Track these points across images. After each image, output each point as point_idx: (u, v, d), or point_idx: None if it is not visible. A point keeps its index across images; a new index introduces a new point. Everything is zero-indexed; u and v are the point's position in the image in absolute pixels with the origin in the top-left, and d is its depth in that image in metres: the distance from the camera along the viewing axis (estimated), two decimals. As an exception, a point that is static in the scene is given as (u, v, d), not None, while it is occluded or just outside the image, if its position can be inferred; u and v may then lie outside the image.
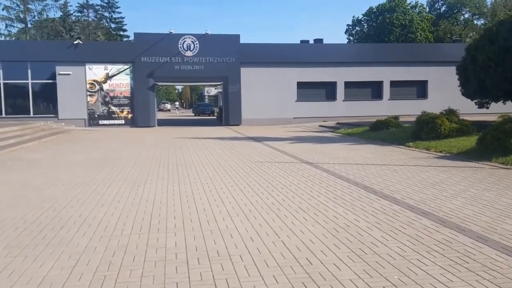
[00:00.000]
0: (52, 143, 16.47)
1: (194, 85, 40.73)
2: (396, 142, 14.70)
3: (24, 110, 25.04)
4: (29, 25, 45.44)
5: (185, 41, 25.99)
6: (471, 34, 60.09)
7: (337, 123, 25.11)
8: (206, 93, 75.55)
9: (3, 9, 43.54)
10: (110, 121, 25.78)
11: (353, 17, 65.60)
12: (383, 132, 17.33)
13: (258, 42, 26.22)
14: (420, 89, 29.04)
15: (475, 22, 66.30)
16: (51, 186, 7.88)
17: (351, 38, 65.03)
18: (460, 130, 14.00)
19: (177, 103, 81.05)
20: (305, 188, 7.43)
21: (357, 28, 65.00)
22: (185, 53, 26.01)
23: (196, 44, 26.09)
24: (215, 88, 72.49)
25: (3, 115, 24.64)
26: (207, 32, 26.20)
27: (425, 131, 14.04)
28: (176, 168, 9.83)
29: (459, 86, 20.41)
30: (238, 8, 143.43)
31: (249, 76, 26.77)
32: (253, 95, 26.89)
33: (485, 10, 63.95)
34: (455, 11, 66.28)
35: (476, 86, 17.68)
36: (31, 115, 24.87)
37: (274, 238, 4.82)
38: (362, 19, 63.75)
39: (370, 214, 5.76)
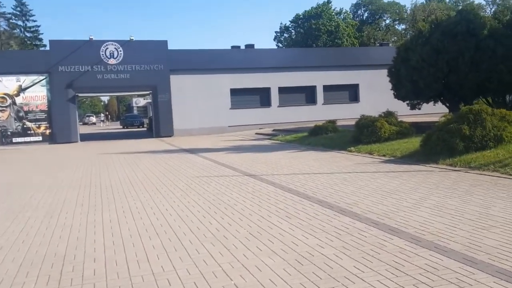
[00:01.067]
0: (-48, 167, 14.22)
1: (120, 95, 38.42)
2: (337, 147, 14.20)
3: None
4: None
5: (107, 48, 24.20)
6: (394, 39, 62.87)
7: (274, 130, 24.51)
8: (134, 104, 72.80)
9: None
10: (26, 138, 23.32)
11: (281, 24, 66.23)
12: (322, 137, 16.86)
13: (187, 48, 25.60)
14: (352, 92, 29.32)
15: (396, 27, 69.51)
16: None
17: (280, 45, 65.47)
18: (400, 132, 13.78)
19: (102, 115, 77.02)
20: (252, 207, 6.46)
21: (285, 34, 65.57)
22: (108, 61, 24.22)
23: (120, 51, 24.39)
24: (144, 99, 69.95)
25: None
26: (131, 38, 24.60)
27: (366, 135, 13.66)
28: (100, 192, 8.47)
29: (391, 89, 20.59)
30: (164, 15, 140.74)
31: (180, 84, 25.50)
32: (185, 104, 25.63)
33: (405, 15, 67.21)
34: (377, 17, 69.10)
35: (409, 88, 17.80)
36: None
37: (224, 281, 3.78)
38: (290, 25, 64.44)
39: (333, 236, 4.89)
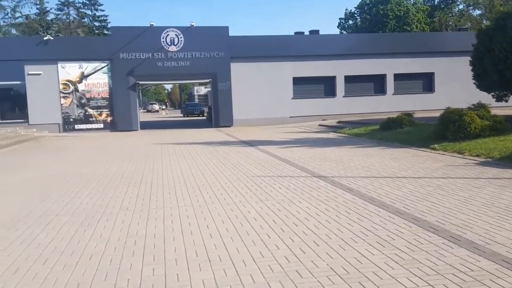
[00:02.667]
0: (8, 154, 14.00)
1: (180, 83, 38.20)
2: (416, 143, 12.45)
3: (-10, 115, 22.48)
4: (1, 23, 42.47)
5: (168, 34, 23.56)
6: (468, 25, 58.19)
7: (339, 122, 22.86)
8: (195, 93, 73.18)
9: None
10: (88, 125, 23.29)
11: (346, 10, 63.41)
12: (396, 131, 15.09)
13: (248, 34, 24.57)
14: (426, 82, 26.89)
15: (471, 12, 64.40)
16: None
17: (344, 32, 62.81)
18: (493, 128, 11.79)
19: (162, 103, 77.97)
20: (329, 224, 5.12)
21: (350, 21, 62.80)
22: (168, 48, 23.58)
23: (181, 37, 23.66)
24: (205, 87, 70.06)
25: (-33, 122, 22.07)
26: (192, 24, 23.78)
27: (452, 130, 11.78)
28: (150, 191, 7.46)
29: (472, 78, 18.61)
30: (225, 2, 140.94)
31: (240, 72, 24.42)
32: (245, 93, 24.55)
33: (481, 1, 61.99)
34: (450, 2, 64.34)
35: (495, 78, 15.72)
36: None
37: None
38: (355, 12, 61.57)
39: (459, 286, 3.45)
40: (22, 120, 22.49)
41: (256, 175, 8.62)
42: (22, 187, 8.14)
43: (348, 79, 25.83)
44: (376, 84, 26.45)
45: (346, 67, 25.66)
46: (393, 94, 26.39)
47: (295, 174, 8.57)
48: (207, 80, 25.60)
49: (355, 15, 62.20)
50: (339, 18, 63.56)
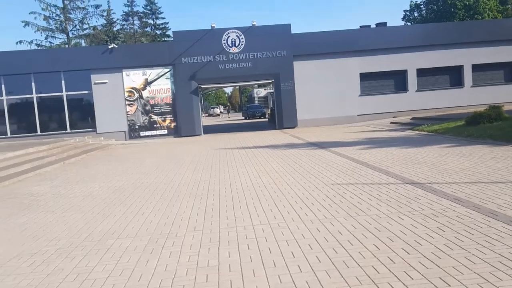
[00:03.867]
0: (75, 165, 13.87)
1: (241, 85, 37.56)
2: (516, 140, 10.79)
3: (61, 125, 22.99)
4: (70, 35, 44.18)
5: (229, 36, 22.98)
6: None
7: (412, 118, 21.13)
8: (255, 95, 72.96)
9: (43, 20, 42.43)
10: (152, 132, 23.24)
11: (411, 1, 60.09)
12: (485, 127, 13.37)
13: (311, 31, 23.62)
14: (508, 72, 24.33)
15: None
16: None
17: (410, 24, 59.68)
18: None
19: (221, 107, 78.01)
20: (451, 251, 3.96)
21: (415, 13, 59.59)
22: (229, 49, 23.00)
23: (242, 38, 23.01)
24: (265, 89, 69.63)
25: (38, 132, 22.69)
26: (253, 23, 23.05)
27: (561, 124, 10.05)
28: (218, 205, 6.64)
29: None
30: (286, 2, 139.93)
31: (304, 71, 23.35)
32: (309, 92, 23.43)
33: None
34: (525, -15, 59.15)
35: None
36: (68, 130, 22.79)
37: None
38: (421, 2, 58.34)
39: None
40: (90, 129, 22.83)
41: (336, 183, 7.56)
42: (84, 203, 7.63)
43: (421, 72, 23.92)
44: (452, 76, 24.32)
45: (418, 59, 23.79)
46: (471, 86, 24.13)
47: (383, 181, 7.41)
48: (270, 81, 24.75)
49: (421, 6, 58.94)
50: (404, 11, 60.51)
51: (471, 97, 23.75)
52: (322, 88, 23.48)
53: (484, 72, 24.11)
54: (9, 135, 22.54)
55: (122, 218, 6.21)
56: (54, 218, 6.56)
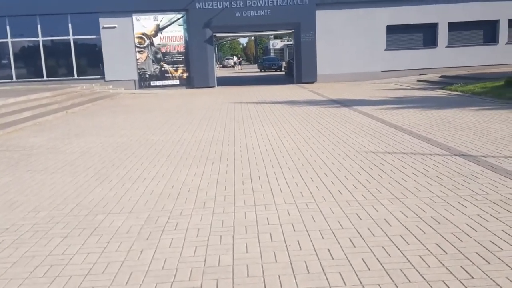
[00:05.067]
0: (79, 115, 12.93)
1: (259, 35, 35.62)
2: None
3: (68, 71, 21.92)
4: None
5: (247, -20, 21.25)
6: None
7: (442, 77, 19.63)
8: (271, 47, 70.69)
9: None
10: (164, 81, 22.09)
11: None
12: (531, 89, 12.01)
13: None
14: (548, 30, 22.38)
15: None
16: (-13, 229, 4.01)
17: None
18: None
19: (234, 57, 74.55)
20: (545, 261, 2.93)
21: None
22: (247, -5, 21.33)
23: (261, -17, 21.26)
24: (281, 41, 67.15)
25: (45, 77, 21.68)
26: (274, -34, 21.24)
27: None
28: (233, 173, 5.64)
29: None
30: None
31: (327, 21, 21.68)
32: (331, 45, 21.87)
33: None
34: None
35: None
36: (75, 77, 21.74)
37: None
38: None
39: None
40: (99, 76, 21.76)
41: (370, 151, 6.48)
42: (79, 161, 6.70)
43: (453, 26, 22.08)
44: (486, 32, 22.44)
45: (451, 12, 21.88)
46: (506, 43, 22.29)
47: (426, 151, 6.32)
48: (289, 31, 23.12)
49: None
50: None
51: (506, 55, 22.03)
52: (346, 41, 21.88)
53: (522, 28, 22.20)
54: (14, 79, 21.61)
55: (119, 185, 5.26)
56: (41, 180, 5.65)
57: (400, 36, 22.19)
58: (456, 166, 5.43)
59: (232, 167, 5.91)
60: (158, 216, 4.13)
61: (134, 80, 21.83)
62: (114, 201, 4.66)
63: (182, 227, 3.84)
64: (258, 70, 47.12)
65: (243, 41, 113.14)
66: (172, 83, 22.07)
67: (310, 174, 5.39)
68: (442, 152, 6.22)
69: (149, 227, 3.88)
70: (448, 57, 22.13)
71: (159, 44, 21.82)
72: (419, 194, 4.42)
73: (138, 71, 21.83)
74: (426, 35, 22.37)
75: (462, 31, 22.29)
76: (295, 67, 22.67)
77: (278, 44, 68.40)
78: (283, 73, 37.26)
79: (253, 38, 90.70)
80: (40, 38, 21.45)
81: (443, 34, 22.25)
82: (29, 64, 21.90)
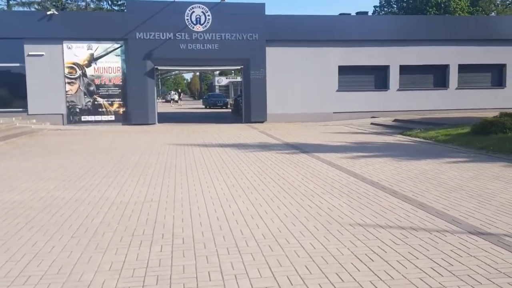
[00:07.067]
0: (-19, 157, 10.48)
1: (205, 69, 34.00)
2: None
3: (-16, 103, 19.12)
4: (11, 1, 39.14)
5: (193, 11, 19.82)
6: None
7: (395, 121, 18.91)
8: (216, 83, 69.60)
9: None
10: (96, 117, 19.78)
11: (382, -3, 58.59)
12: (501, 138, 11.11)
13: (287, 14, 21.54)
14: (495, 74, 22.60)
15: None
16: None
17: (394, 15, 58.19)
18: None
19: (172, 92, 69.25)
20: None
21: (385, 9, 58.19)
22: (193, 27, 19.86)
23: (208, 15, 19.91)
24: (226, 78, 66.33)
25: (-45, 110, 18.73)
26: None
27: None
28: (169, 270, 3.74)
29: None
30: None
31: (277, 58, 20.59)
32: (282, 83, 20.72)
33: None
34: (495, -11, 59.10)
35: None
36: (-7, 109, 18.95)
37: None
38: (392, -1, 56.96)
39: None
40: (21, 109, 19.11)
41: (356, 223, 4.85)
42: None
43: (404, 69, 21.73)
44: (437, 76, 22.29)
45: (401, 55, 21.57)
46: (456, 88, 22.20)
47: (428, 224, 4.78)
48: (238, 67, 21.81)
49: (392, 2, 57.55)
50: (374, 6, 59.04)
51: (455, 100, 21.86)
52: (297, 79, 20.84)
53: (470, 74, 22.25)
54: None
55: (-20, 295, 3.22)
56: None
57: (352, 77, 21.49)
58: (480, 253, 3.89)
59: (169, 253, 4.03)
60: None
61: (62, 114, 19.36)
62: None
63: None
64: (203, 106, 45.49)
65: (188, 76, 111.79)
66: (106, 119, 19.80)
67: (285, 268, 3.63)
68: (450, 227, 4.70)
69: None
70: (400, 101, 21.62)
71: (92, 76, 19.64)
72: (469, 321, 2.77)
73: (67, 104, 19.42)
74: (378, 77, 21.84)
75: (413, 75, 22.00)
76: (244, 105, 21.22)
77: (224, 80, 67.50)
78: (229, 110, 35.84)
79: (198, 73, 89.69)
80: (-48, 64, 18.62)
81: (394, 77, 21.82)
82: None
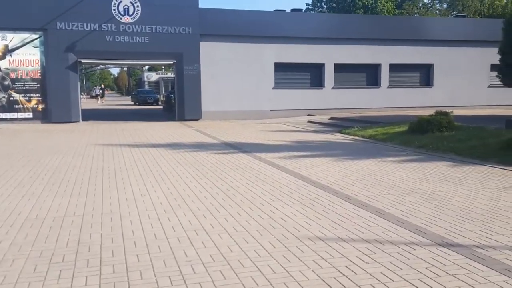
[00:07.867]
0: None
1: (134, 64, 32.26)
2: (489, 157, 8.61)
3: None
4: None
5: (121, 1, 18.48)
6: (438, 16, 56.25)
7: (332, 118, 18.89)
8: (146, 79, 67.03)
9: None
10: (12, 114, 17.86)
11: (312, -3, 59.57)
12: (438, 137, 11.21)
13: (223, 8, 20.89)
14: (423, 74, 23.40)
15: (438, 6, 62.82)
16: None
17: (328, 13, 59.20)
18: None
19: (96, 87, 64.52)
20: None
21: (316, 8, 59.26)
22: (121, 18, 18.54)
23: (137, 6, 18.68)
24: (156, 73, 64.02)
25: None
26: (153, -11, 18.86)
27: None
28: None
29: (498, 73, 16.38)
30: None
31: (212, 54, 19.81)
32: (218, 80, 20.00)
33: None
34: (416, -6, 62.26)
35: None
36: None
37: None
38: (322, -2, 58.14)
39: None
40: None
41: (315, 236, 4.30)
42: None
43: (339, 67, 21.83)
44: (369, 75, 22.65)
45: (336, 53, 21.64)
46: (387, 87, 22.71)
47: (392, 235, 4.33)
48: (171, 62, 20.74)
49: (321, 3, 58.71)
50: (306, 4, 59.93)
51: (387, 99, 22.35)
52: (233, 76, 20.20)
53: (401, 73, 22.85)
54: None
55: None
56: None
57: (288, 74, 21.23)
58: (464, 274, 3.48)
59: (96, 287, 3.21)
60: None
61: (-29, 111, 17.26)
62: None
63: None
64: (132, 102, 43.49)
65: (115, 71, 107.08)
66: (23, 116, 17.95)
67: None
68: (416, 238, 4.29)
69: None
70: (335, 98, 21.71)
71: (7, 69, 17.71)
72: None
73: (-22, 100, 17.35)
74: (314, 75, 21.78)
75: (347, 73, 22.16)
76: (177, 102, 20.21)
77: (154, 76, 65.12)
78: (161, 107, 34.43)
79: (125, 68, 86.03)
80: None
81: (329, 75, 21.86)
82: None
